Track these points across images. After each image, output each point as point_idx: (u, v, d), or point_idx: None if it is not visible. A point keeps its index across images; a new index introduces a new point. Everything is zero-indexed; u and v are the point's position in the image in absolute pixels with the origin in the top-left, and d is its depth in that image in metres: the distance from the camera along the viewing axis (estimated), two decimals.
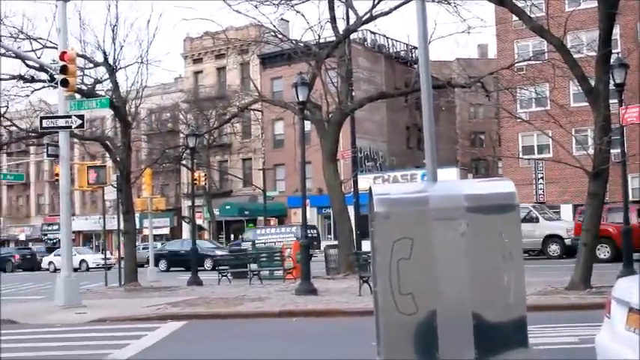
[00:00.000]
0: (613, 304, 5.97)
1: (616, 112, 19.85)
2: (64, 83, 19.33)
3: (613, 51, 19.03)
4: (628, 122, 20.68)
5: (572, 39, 25.17)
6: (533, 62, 28.23)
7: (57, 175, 23.35)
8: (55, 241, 66.55)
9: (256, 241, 34.66)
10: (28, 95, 27.77)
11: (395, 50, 64.94)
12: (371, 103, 35.50)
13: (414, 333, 5.74)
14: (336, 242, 30.73)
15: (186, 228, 63.29)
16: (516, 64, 28.19)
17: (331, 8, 29.17)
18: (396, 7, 27.17)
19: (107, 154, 31.69)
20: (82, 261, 51.18)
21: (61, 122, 19.68)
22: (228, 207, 60.34)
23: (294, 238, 35.79)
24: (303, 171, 21.95)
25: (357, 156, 41.33)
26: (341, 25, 29.86)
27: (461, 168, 58.72)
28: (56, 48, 22.19)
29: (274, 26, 29.83)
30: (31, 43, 26.09)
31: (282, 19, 33.42)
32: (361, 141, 48.50)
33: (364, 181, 39.11)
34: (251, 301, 18.95)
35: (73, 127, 19.79)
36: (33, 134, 28.56)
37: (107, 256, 47.00)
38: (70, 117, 19.57)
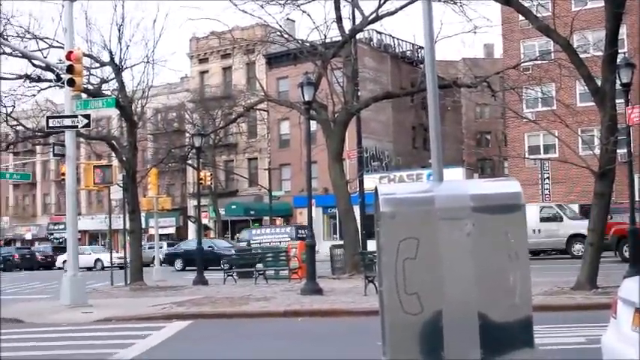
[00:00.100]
0: (619, 305, 5.95)
1: (622, 112, 19.80)
2: (71, 83, 19.36)
3: (620, 51, 18.99)
4: (634, 122, 20.63)
5: (578, 39, 25.11)
6: (539, 62, 28.16)
7: (63, 174, 23.41)
8: (61, 240, 66.62)
9: (251, 241, 34.78)
10: (34, 95, 27.84)
11: (401, 50, 64.90)
12: (377, 102, 35.49)
13: (419, 333, 5.74)
14: (341, 242, 30.72)
15: (191, 227, 63.34)
16: (522, 64, 28.15)
17: (337, 8, 29.16)
18: (402, 7, 27.15)
19: (113, 154, 31.73)
20: (98, 260, 51.07)
21: (68, 122, 19.72)
22: (233, 207, 60.38)
23: (289, 239, 35.84)
24: (309, 171, 21.94)
25: (363, 156, 41.33)
26: (347, 25, 29.86)
27: (467, 168, 58.64)
28: (62, 48, 22.22)
29: (280, 26, 29.83)
30: (37, 43, 26.16)
31: (288, 18, 33.41)
32: (367, 141, 48.49)
33: (370, 181, 39.07)
34: (256, 301, 18.96)
35: (79, 126, 19.82)
36: (39, 134, 28.61)
37: (122, 255, 47.23)
38: (76, 116, 19.61)
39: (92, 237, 76.14)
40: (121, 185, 29.62)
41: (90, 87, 26.15)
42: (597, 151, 18.76)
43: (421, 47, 55.55)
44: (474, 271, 5.75)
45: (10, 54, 25.08)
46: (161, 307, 18.45)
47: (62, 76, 20.25)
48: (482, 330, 5.72)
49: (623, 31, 20.22)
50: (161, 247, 45.15)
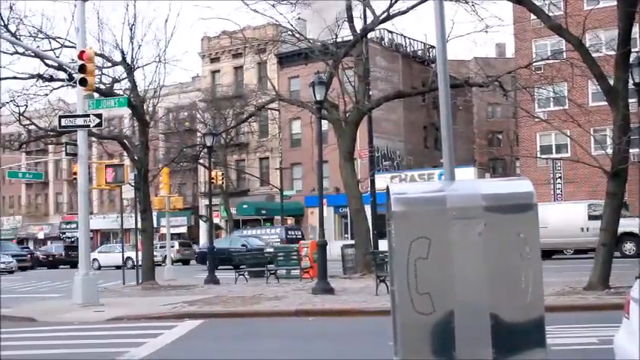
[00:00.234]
0: (631, 305, 5.92)
1: (635, 112, 19.71)
2: (83, 82, 19.43)
3: (632, 50, 18.89)
4: None
5: (590, 38, 24.98)
6: (551, 61, 28.06)
7: (75, 173, 23.53)
8: (73, 239, 66.92)
9: (247, 240, 34.96)
10: (47, 94, 28.00)
11: (412, 49, 64.79)
12: (388, 102, 35.45)
13: (431, 333, 5.72)
14: (353, 242, 30.71)
15: (203, 227, 63.46)
16: (534, 63, 28.05)
17: (349, 7, 29.16)
18: (413, 7, 27.11)
19: (125, 153, 31.85)
20: (128, 258, 50.51)
21: (80, 121, 19.79)
22: (245, 206, 60.45)
23: (279, 239, 35.84)
24: (321, 170, 21.95)
25: (374, 155, 41.30)
26: (358, 25, 29.85)
27: (478, 167, 58.51)
28: (75, 47, 22.32)
29: (292, 25, 29.85)
30: (50, 43, 26.32)
31: (299, 18, 33.43)
32: (378, 140, 48.46)
33: (381, 181, 39.03)
34: (268, 300, 18.98)
35: (91, 126, 19.89)
36: (52, 133, 28.75)
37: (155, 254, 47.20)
38: (88, 116, 19.68)
39: (104, 236, 76.42)
40: (133, 184, 29.73)
41: (102, 86, 26.26)
42: (610, 150, 18.69)
43: (432, 46, 55.42)
44: (485, 271, 5.74)
45: (23, 53, 25.22)
46: (172, 306, 18.50)
47: (74, 75, 20.33)
48: (494, 330, 5.70)
49: (635, 30, 20.06)
50: (172, 246, 45.24)
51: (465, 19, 55.17)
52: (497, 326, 5.70)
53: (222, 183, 53.31)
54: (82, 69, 19.44)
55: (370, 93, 33.27)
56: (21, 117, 27.45)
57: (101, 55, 26.74)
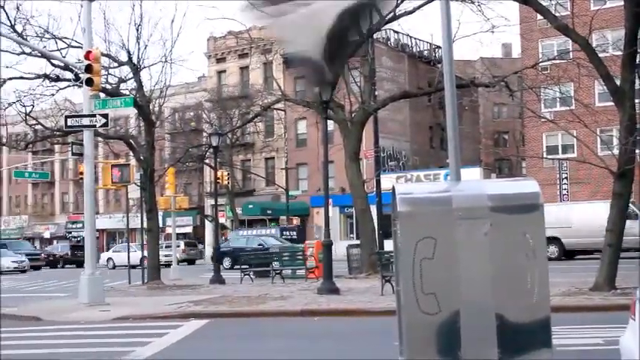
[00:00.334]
0: (637, 306, 5.91)
1: None
2: (89, 82, 19.47)
3: (639, 50, 18.85)
4: None
5: (597, 38, 24.94)
6: (557, 61, 28.02)
7: (81, 173, 23.53)
8: (79, 238, 67.02)
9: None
10: (53, 94, 28.01)
11: (418, 49, 64.74)
12: (394, 102, 35.43)
13: (436, 333, 5.72)
14: (358, 242, 30.71)
15: (209, 227, 63.52)
16: (541, 64, 28.00)
17: None
18: (419, 7, 27.10)
19: (131, 153, 31.90)
20: (144, 257, 50.25)
21: (86, 121, 19.83)
22: (250, 206, 60.47)
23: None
24: (326, 170, 21.94)
25: (380, 155, 41.22)
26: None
27: (484, 168, 58.40)
28: (81, 47, 22.37)
29: None
30: (56, 43, 26.35)
31: None
32: (384, 140, 48.38)
33: (387, 181, 38.98)
34: (273, 300, 18.99)
35: (97, 125, 19.92)
36: (58, 133, 28.78)
37: (168, 253, 47.22)
38: (94, 116, 19.71)
39: (110, 236, 76.54)
40: (139, 184, 29.76)
41: (108, 86, 26.28)
42: (616, 151, 18.65)
43: (439, 47, 55.38)
44: (491, 272, 5.73)
45: (30, 54, 25.27)
46: (178, 305, 18.52)
47: (81, 75, 20.37)
48: (499, 330, 5.69)
49: None
50: (178, 246, 45.28)
51: (471, 19, 55.29)
52: (502, 326, 5.69)
53: (228, 183, 53.34)
54: (88, 69, 19.47)
55: (376, 93, 33.28)
56: (27, 117, 27.49)
57: (107, 56, 26.77)
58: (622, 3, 18.61)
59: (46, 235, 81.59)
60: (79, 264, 42.75)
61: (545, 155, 44.75)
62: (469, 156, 60.43)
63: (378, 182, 36.38)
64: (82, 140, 21.37)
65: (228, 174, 51.65)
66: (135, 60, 27.11)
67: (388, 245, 29.54)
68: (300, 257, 28.38)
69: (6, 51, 25.40)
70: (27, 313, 18.49)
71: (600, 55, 18.95)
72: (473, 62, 57.49)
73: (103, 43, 27.38)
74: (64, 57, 25.28)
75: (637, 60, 18.46)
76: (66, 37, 26.48)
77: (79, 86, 21.35)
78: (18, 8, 25.36)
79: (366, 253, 27.86)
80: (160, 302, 19.85)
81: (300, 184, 61.66)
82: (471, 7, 26.33)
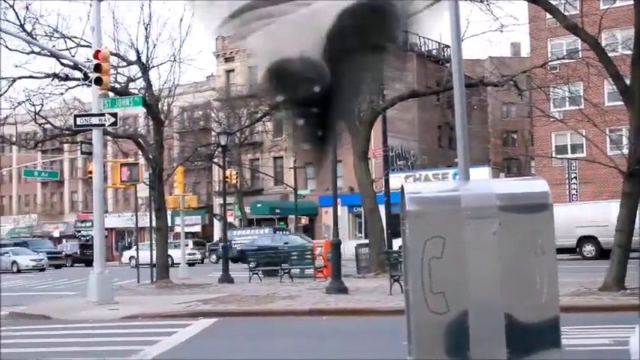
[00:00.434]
0: None
1: None
2: (98, 81, 19.52)
3: None
4: None
5: (606, 37, 24.86)
6: (567, 61, 27.94)
7: (90, 172, 23.60)
8: (88, 237, 67.16)
9: (233, 242, 34.46)
10: (62, 93, 28.13)
11: (427, 49, 64.65)
12: (402, 101, 35.38)
13: (445, 332, 5.71)
14: (367, 241, 30.70)
15: (217, 226, 63.59)
16: (550, 63, 27.93)
17: None
18: (428, 6, 26.99)
19: (140, 152, 31.95)
20: (168, 256, 49.69)
21: (95, 120, 19.88)
22: (259, 205, 60.51)
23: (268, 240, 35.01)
24: (335, 170, 21.93)
25: (389, 155, 41.17)
26: None
27: (493, 167, 58.30)
28: (90, 46, 22.44)
29: None
30: (65, 42, 26.46)
31: None
32: (393, 140, 48.28)
33: (395, 180, 38.89)
34: (282, 299, 18.99)
35: (106, 124, 19.98)
36: (67, 132, 28.87)
37: (192, 252, 47.22)
38: (103, 115, 19.77)
39: (119, 234, 76.69)
40: (148, 183, 29.83)
41: (117, 85, 26.35)
42: (626, 150, 18.58)
43: (447, 46, 55.28)
44: (500, 271, 5.72)
45: (39, 53, 25.37)
46: (187, 304, 18.55)
47: (90, 74, 20.42)
48: (508, 330, 5.68)
49: None
50: (187, 245, 45.29)
51: (480, 19, 55.20)
52: (511, 326, 5.68)
53: (237, 182, 53.44)
54: (97, 68, 19.52)
55: (384, 92, 33.22)
56: (37, 116, 27.60)
57: (116, 55, 26.84)
58: (632, 2, 18.56)
59: (56, 234, 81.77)
60: (88, 263, 42.81)
61: (554, 155, 44.61)
62: (478, 155, 60.32)
63: (387, 181, 36.33)
64: (91, 139, 21.44)
65: (237, 173, 51.73)
66: (144, 59, 27.18)
67: (397, 244, 29.57)
68: (309, 256, 28.38)
69: (15, 50, 25.54)
70: (36, 312, 18.56)
71: (610, 54, 18.90)
72: (482, 61, 57.33)
73: (112, 43, 27.47)
74: (74, 56, 25.36)
75: None
76: (75, 37, 26.61)
77: (88, 85, 21.40)
78: (27, 8, 25.49)
79: (374, 253, 27.85)
80: (169, 301, 19.89)
81: (308, 183, 61.65)
82: (480, 6, 26.22)
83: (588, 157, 31.73)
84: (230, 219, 56.92)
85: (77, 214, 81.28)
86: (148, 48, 27.26)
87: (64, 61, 25.51)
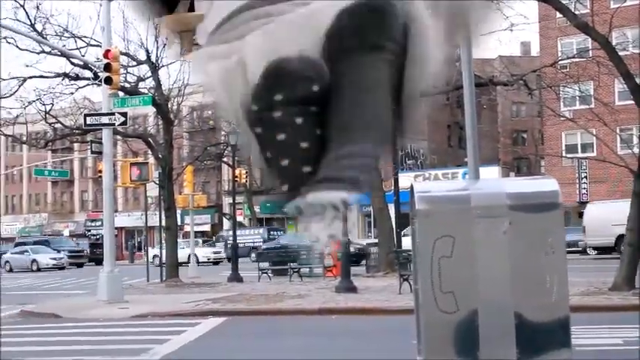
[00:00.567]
0: None
1: None
2: (108, 81, 19.56)
3: None
4: None
5: (617, 36, 24.75)
6: (577, 59, 27.84)
7: (100, 171, 23.69)
8: (98, 236, 67.33)
9: (228, 241, 34.36)
10: (72, 93, 28.23)
11: None
12: None
13: (454, 332, 5.70)
14: (376, 240, 30.66)
15: (227, 225, 63.67)
16: (560, 62, 27.83)
17: None
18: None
19: (149, 152, 32.02)
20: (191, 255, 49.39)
21: (105, 119, 19.93)
22: (268, 204, 60.52)
23: (261, 240, 35.16)
24: None
25: (398, 154, 41.18)
26: None
27: (502, 166, 58.15)
28: (100, 46, 22.49)
29: None
30: (75, 42, 26.56)
31: None
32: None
33: (405, 180, 38.90)
34: (291, 298, 19.00)
35: (116, 124, 20.03)
36: (77, 131, 28.96)
37: (217, 250, 47.14)
38: (113, 114, 19.82)
39: (128, 233, 76.85)
40: (157, 182, 29.88)
41: (127, 85, 26.41)
42: (636, 149, 18.51)
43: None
44: (510, 270, 5.71)
45: (50, 52, 25.47)
46: (196, 303, 18.58)
47: (100, 74, 20.49)
48: (518, 330, 5.67)
49: None
50: (197, 244, 45.38)
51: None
52: (521, 326, 5.66)
53: (246, 181, 53.46)
54: (107, 68, 19.57)
55: None
56: (47, 115, 27.71)
57: (126, 54, 26.91)
58: None
59: (66, 233, 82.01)
60: (98, 262, 42.92)
61: (564, 154, 44.46)
62: (487, 155, 60.12)
63: (396, 181, 36.29)
64: (101, 139, 21.49)
65: (247, 172, 51.75)
66: (153, 59, 27.22)
67: (406, 244, 29.56)
68: (317, 256, 28.35)
69: (26, 49, 25.63)
70: (46, 311, 18.62)
71: (620, 53, 18.82)
72: (491, 60, 57.24)
73: (122, 42, 27.55)
74: (84, 56, 25.47)
75: None
76: (85, 36, 26.72)
77: (98, 85, 21.50)
78: (38, 7, 25.58)
79: (383, 252, 27.83)
80: (178, 300, 19.92)
81: None
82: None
83: (599, 157, 31.63)
84: (239, 218, 57.00)
85: (87, 213, 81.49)
86: (157, 47, 27.32)
87: (74, 61, 25.61)
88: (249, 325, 15.11)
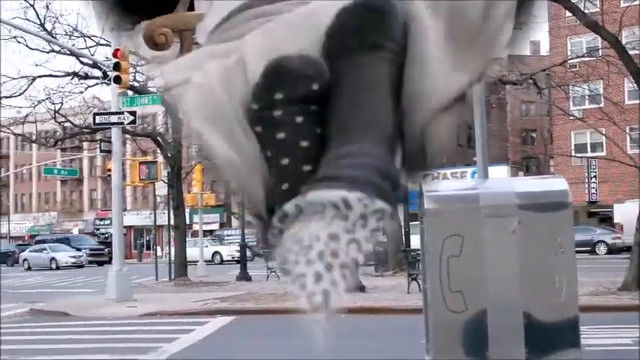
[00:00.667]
0: None
1: None
2: (117, 80, 19.60)
3: None
4: None
5: (627, 35, 24.68)
6: (586, 59, 27.76)
7: (109, 170, 23.74)
8: (107, 235, 67.53)
9: (224, 240, 34.29)
10: (82, 92, 28.35)
11: None
12: None
13: (463, 331, 5.69)
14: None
15: (235, 224, 63.75)
16: (569, 61, 27.78)
17: None
18: None
19: (158, 150, 32.08)
20: (216, 252, 49.11)
21: (114, 118, 19.99)
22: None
23: (255, 239, 35.07)
24: None
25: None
26: None
27: (511, 166, 58.03)
28: (109, 45, 22.54)
29: None
30: (85, 41, 26.64)
31: None
32: None
33: None
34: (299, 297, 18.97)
35: (125, 123, 20.09)
36: (86, 130, 29.05)
37: (235, 249, 47.15)
38: (122, 113, 19.87)
39: (137, 232, 77.01)
40: (166, 181, 29.93)
41: (136, 84, 26.47)
42: None
43: None
44: (519, 270, 5.69)
45: (59, 52, 25.56)
46: (204, 302, 18.61)
47: (109, 73, 20.56)
48: (527, 329, 5.65)
49: None
50: (206, 246, 45.43)
51: None
52: (530, 325, 5.65)
53: None
54: (116, 67, 19.61)
55: None
56: (56, 114, 27.81)
57: (135, 53, 26.92)
58: None
59: (75, 231, 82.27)
60: (107, 260, 43.06)
61: (573, 153, 44.36)
62: (496, 154, 59.96)
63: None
64: (110, 137, 21.55)
65: None
66: None
67: (415, 243, 29.54)
68: None
69: (36, 49, 25.75)
70: (55, 309, 18.68)
71: (630, 52, 18.76)
72: (500, 59, 57.02)
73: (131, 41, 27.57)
74: (93, 55, 25.56)
75: None
76: (94, 35, 26.73)
77: (108, 84, 21.55)
78: (47, 7, 25.70)
79: (392, 251, 27.79)
80: (187, 299, 19.95)
81: None
82: None
83: (608, 156, 31.56)
84: (248, 217, 57.00)
85: (96, 211, 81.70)
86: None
87: (84, 60, 25.69)
88: (257, 324, 15.11)
